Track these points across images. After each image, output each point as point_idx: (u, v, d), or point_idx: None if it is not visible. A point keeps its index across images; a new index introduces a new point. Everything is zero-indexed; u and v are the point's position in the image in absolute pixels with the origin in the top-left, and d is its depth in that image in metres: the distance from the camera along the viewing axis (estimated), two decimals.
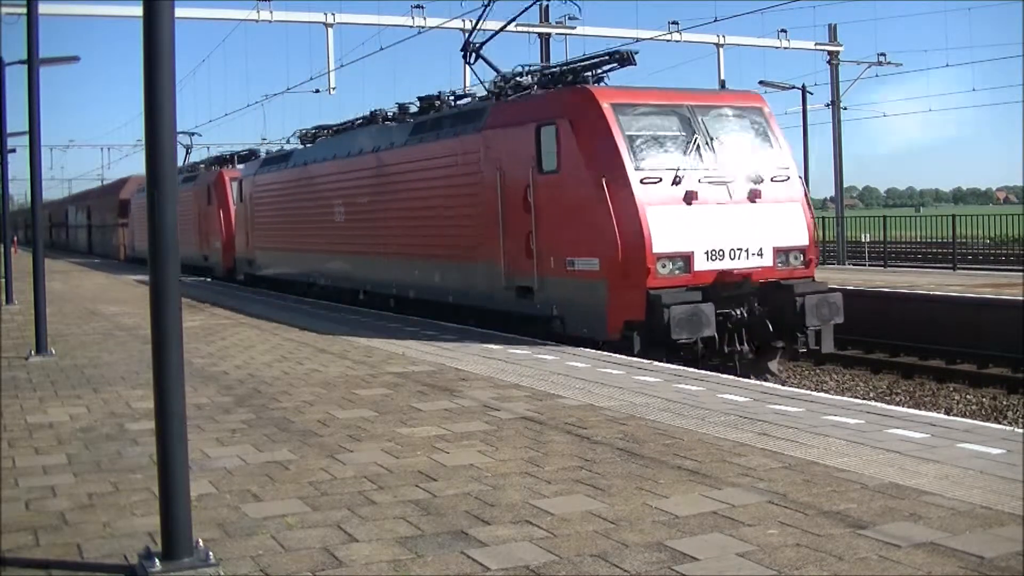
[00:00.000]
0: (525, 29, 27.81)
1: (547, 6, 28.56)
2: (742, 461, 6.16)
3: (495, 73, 16.22)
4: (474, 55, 17.08)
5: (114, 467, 6.38)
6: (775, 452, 6.37)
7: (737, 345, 12.17)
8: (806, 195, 13.35)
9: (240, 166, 30.10)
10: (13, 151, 35.31)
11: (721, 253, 12.12)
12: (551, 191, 12.94)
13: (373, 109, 20.20)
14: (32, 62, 12.79)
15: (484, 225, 14.31)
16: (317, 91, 28.66)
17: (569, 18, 28.14)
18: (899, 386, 14.82)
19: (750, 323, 12.27)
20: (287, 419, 7.88)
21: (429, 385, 9.39)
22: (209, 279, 29.69)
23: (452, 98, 17.65)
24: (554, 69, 14.91)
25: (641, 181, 11.91)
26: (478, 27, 17.57)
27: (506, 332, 13.52)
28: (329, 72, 27.75)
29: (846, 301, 13.06)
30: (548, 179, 12.99)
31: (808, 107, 32.99)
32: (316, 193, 21.36)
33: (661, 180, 12.04)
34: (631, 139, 12.19)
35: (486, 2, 17.25)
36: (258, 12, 26.56)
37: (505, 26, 17.75)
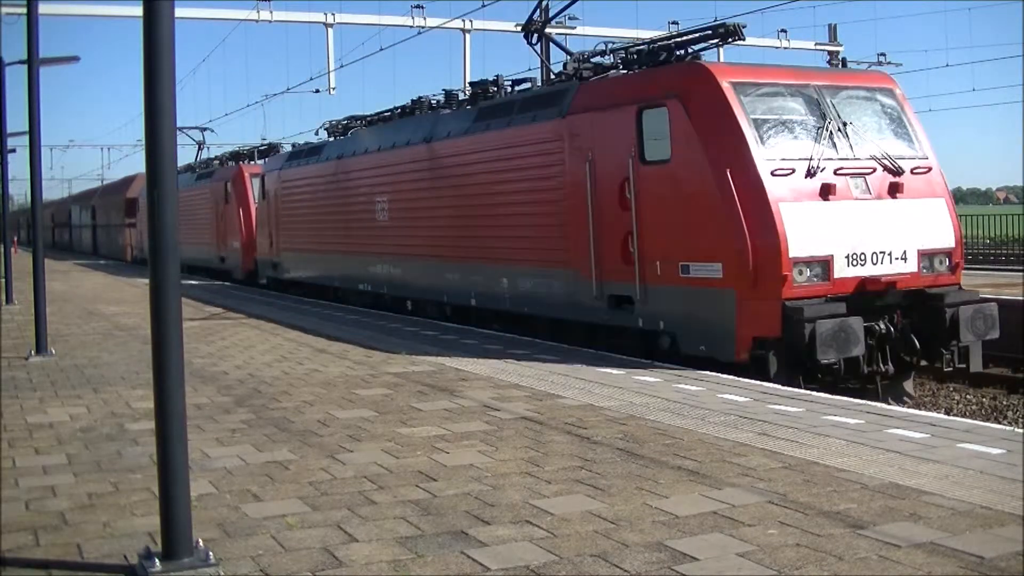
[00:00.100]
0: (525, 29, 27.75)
1: (547, 5, 28.53)
2: (742, 461, 6.16)
3: (566, 55, 14.74)
4: (536, 36, 15.75)
5: (114, 467, 6.38)
6: (775, 452, 6.38)
7: (879, 365, 10.56)
8: (947, 189, 11.73)
9: (260, 161, 27.90)
10: (13, 151, 35.34)
11: (863, 257, 10.46)
12: (658, 184, 11.19)
13: (417, 96, 18.29)
14: (32, 62, 12.80)
15: (568, 224, 12.58)
16: (317, 91, 28.75)
17: (569, 18, 28.14)
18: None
19: (894, 339, 10.68)
20: (287, 419, 7.88)
21: (429, 385, 9.39)
22: (228, 283, 27.27)
23: (509, 84, 16.04)
24: (641, 47, 13.06)
25: (772, 173, 10.27)
26: (543, 4, 15.78)
27: (591, 348, 11.96)
28: (329, 72, 27.81)
29: None
30: (654, 170, 11.23)
31: None
32: (357, 190, 19.04)
33: (794, 171, 10.38)
34: (757, 123, 10.55)
35: None
36: (258, 12, 26.61)
37: (572, 3, 16.26)
